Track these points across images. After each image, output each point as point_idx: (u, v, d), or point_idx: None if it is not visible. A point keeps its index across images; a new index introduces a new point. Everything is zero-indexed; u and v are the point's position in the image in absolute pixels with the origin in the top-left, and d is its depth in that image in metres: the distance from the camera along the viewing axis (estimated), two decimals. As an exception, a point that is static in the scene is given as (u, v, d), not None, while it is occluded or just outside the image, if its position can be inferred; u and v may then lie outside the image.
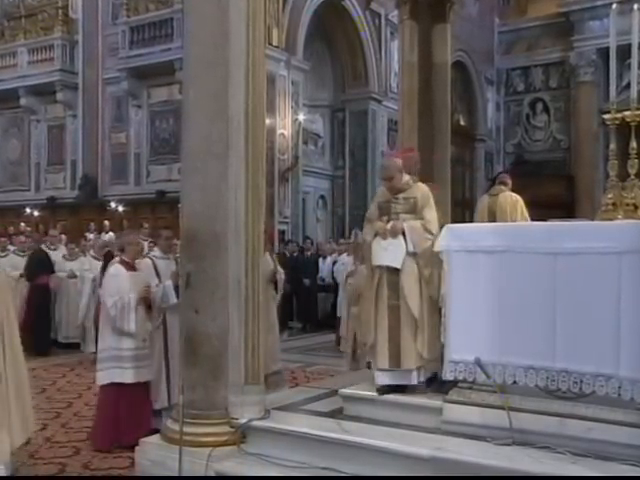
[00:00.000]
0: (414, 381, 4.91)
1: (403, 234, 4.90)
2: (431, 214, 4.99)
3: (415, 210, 5.00)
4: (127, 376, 5.68)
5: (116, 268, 5.83)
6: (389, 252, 4.93)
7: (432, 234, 4.86)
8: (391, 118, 20.04)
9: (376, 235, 5.03)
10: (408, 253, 4.88)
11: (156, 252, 6.21)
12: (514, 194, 7.37)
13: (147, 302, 5.77)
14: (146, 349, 5.82)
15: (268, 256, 7.41)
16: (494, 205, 7.29)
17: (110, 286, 5.71)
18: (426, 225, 4.93)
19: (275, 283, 7.34)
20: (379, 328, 4.97)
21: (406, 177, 5.12)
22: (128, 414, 5.67)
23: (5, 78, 21.18)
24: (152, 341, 5.96)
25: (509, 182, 7.48)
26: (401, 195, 5.05)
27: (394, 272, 4.91)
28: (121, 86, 19.23)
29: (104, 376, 5.80)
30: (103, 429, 5.72)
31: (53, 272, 11.12)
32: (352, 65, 20.23)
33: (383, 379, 4.96)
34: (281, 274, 7.37)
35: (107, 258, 8.58)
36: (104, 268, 7.04)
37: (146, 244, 9.05)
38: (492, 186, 7.84)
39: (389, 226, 4.96)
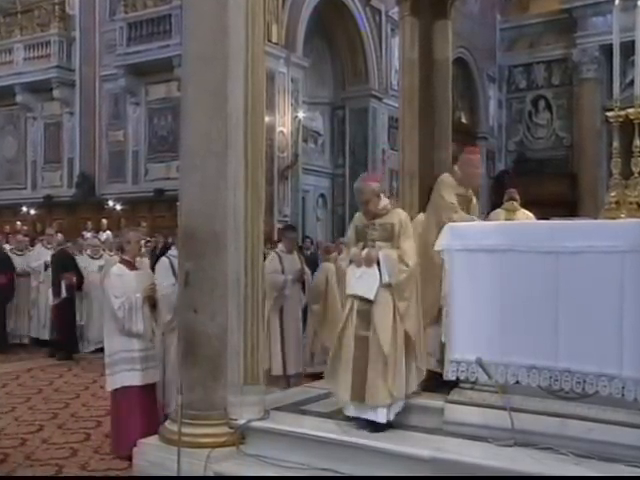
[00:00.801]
0: (381, 419, 4.56)
1: (378, 263, 4.65)
2: (408, 243, 4.72)
3: (392, 238, 4.74)
4: (137, 378, 5.57)
5: (119, 268, 5.74)
6: (362, 281, 4.68)
7: (408, 266, 4.63)
8: (392, 116, 20.01)
9: (351, 262, 4.80)
10: (382, 284, 4.63)
11: (173, 251, 6.15)
12: (528, 213, 7.09)
13: (152, 301, 5.71)
14: (153, 350, 5.78)
15: (295, 256, 7.49)
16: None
17: (115, 286, 5.58)
18: (402, 256, 4.66)
19: (303, 283, 7.40)
20: (343, 357, 4.72)
21: (384, 201, 4.87)
22: (142, 416, 5.57)
23: (1, 75, 21.14)
24: (166, 342, 5.97)
25: (518, 198, 7.24)
26: (378, 221, 4.80)
27: (367, 302, 4.67)
28: (119, 83, 19.21)
29: (115, 380, 5.62)
30: (124, 435, 5.51)
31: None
32: (352, 62, 20.21)
33: (349, 410, 4.71)
34: (308, 274, 7.45)
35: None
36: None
37: (142, 243, 9.04)
38: (496, 190, 7.78)
39: (364, 253, 4.72)
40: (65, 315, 10.56)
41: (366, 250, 4.73)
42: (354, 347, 4.67)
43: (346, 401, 4.69)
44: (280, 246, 7.67)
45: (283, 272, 7.28)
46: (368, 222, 4.84)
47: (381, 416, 4.56)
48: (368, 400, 4.56)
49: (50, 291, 10.79)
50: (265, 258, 6.01)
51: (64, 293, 10.42)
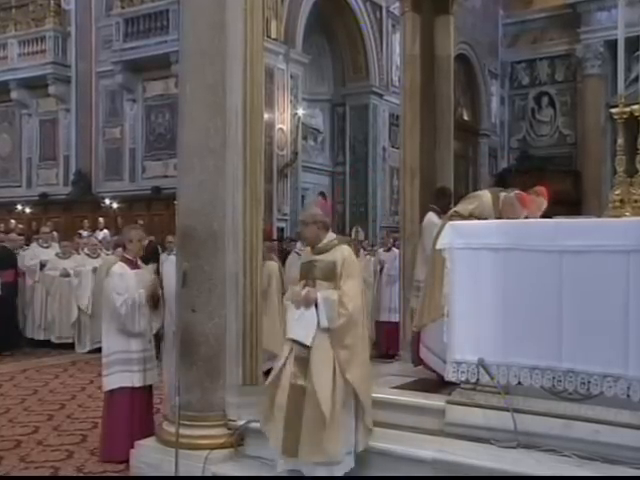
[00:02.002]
0: (324, 473, 4.15)
1: (317, 305, 4.26)
2: (350, 284, 4.28)
3: (333, 277, 4.31)
4: (135, 379, 5.54)
5: (120, 266, 5.70)
6: (300, 324, 4.30)
7: (347, 310, 4.20)
8: (392, 113, 20.03)
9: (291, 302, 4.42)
10: (320, 328, 4.24)
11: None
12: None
13: (154, 299, 5.67)
14: (151, 351, 5.77)
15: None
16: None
17: (118, 284, 5.54)
18: (342, 297, 4.23)
19: None
20: (277, 405, 4.30)
21: (330, 236, 4.47)
22: (140, 419, 5.57)
23: (-5, 71, 21.17)
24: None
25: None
26: (320, 257, 4.40)
27: (305, 348, 4.27)
28: (115, 79, 19.21)
29: (112, 381, 5.57)
30: (118, 438, 5.47)
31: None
32: (352, 58, 20.20)
33: (281, 464, 4.28)
34: None
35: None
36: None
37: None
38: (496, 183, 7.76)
39: (303, 293, 4.33)
40: (2, 311, 10.68)
41: (306, 289, 4.34)
42: (287, 397, 4.24)
43: (278, 453, 4.28)
44: (298, 245, 7.67)
45: None
46: (312, 257, 4.45)
47: (319, 471, 4.16)
48: (302, 457, 4.15)
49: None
50: (265, 258, 6.01)
51: None
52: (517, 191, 5.63)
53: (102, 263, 10.45)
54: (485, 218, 5.19)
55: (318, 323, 4.24)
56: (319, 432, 4.10)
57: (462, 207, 5.45)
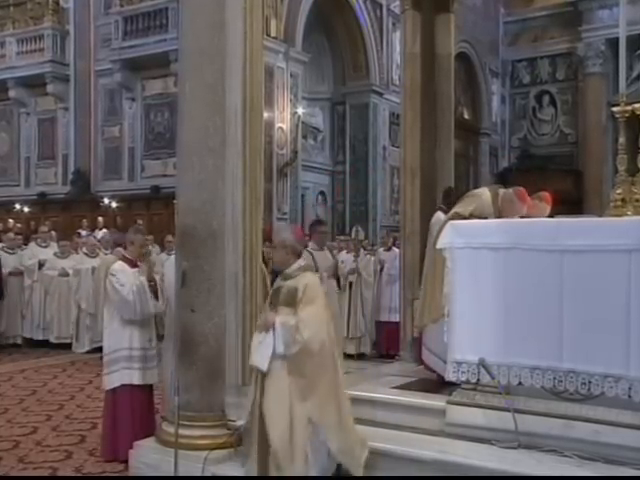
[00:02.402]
0: None
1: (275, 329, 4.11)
2: (308, 311, 4.10)
3: (294, 303, 4.16)
4: (135, 377, 5.55)
5: (120, 265, 5.72)
6: (259, 349, 4.18)
7: (302, 337, 4.02)
8: (393, 111, 20.02)
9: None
10: (277, 355, 4.08)
11: None
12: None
13: (153, 288, 5.69)
14: (153, 349, 5.78)
15: (327, 251, 7.60)
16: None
17: (120, 278, 5.54)
18: (299, 324, 4.05)
19: (338, 279, 7.48)
20: (252, 432, 4.24)
21: (299, 262, 4.34)
22: (141, 418, 5.56)
23: (-7, 69, 21.17)
24: None
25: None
26: (286, 282, 4.28)
27: (262, 373, 4.16)
28: (114, 78, 19.19)
29: (114, 379, 5.56)
30: (120, 437, 5.46)
31: None
32: (353, 57, 20.20)
33: None
34: (350, 269, 7.58)
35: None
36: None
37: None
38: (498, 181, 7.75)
39: (263, 317, 4.27)
40: None
41: (265, 314, 4.27)
42: (258, 424, 4.12)
43: None
44: (311, 243, 7.77)
45: (317, 270, 7.40)
46: (280, 283, 4.35)
47: None
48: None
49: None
50: (264, 257, 6.03)
51: None
52: (517, 188, 5.64)
53: (101, 262, 10.46)
54: (485, 217, 5.19)
55: (275, 348, 4.09)
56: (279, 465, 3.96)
57: (462, 208, 5.45)
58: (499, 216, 5.22)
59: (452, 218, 5.27)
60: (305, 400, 3.99)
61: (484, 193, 5.59)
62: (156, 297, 5.72)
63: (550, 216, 4.71)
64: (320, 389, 4.04)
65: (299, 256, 4.35)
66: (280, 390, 4.03)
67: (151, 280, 5.70)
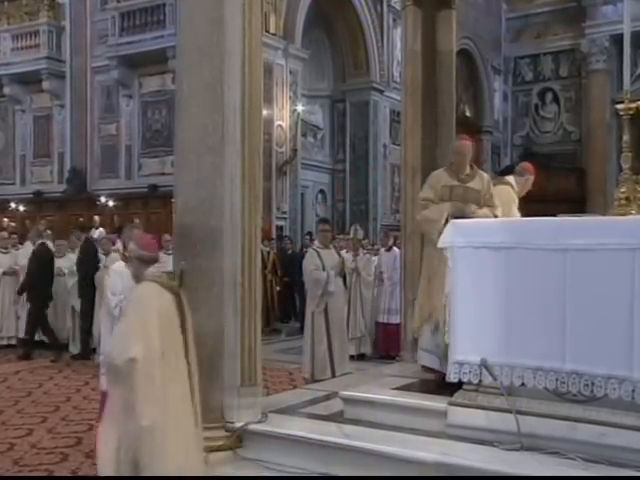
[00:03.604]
0: None
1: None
2: (119, 327, 4.07)
3: None
4: None
5: (120, 265, 5.70)
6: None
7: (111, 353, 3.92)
8: (393, 109, 20.06)
9: None
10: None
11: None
12: (507, 189, 6.16)
13: None
14: None
15: (333, 249, 7.72)
16: None
17: (115, 284, 5.54)
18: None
19: (344, 277, 7.60)
20: None
21: (149, 270, 4.20)
22: None
23: (-12, 66, 21.17)
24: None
25: (526, 175, 6.28)
26: None
27: None
28: (111, 75, 19.20)
29: None
30: None
31: None
32: (353, 54, 20.23)
33: None
34: (349, 269, 7.73)
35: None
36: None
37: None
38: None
39: None
40: None
41: None
42: None
43: None
44: (316, 242, 7.93)
45: (324, 268, 7.45)
46: None
47: None
48: None
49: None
50: (263, 256, 6.07)
51: None
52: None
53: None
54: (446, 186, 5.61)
55: None
56: None
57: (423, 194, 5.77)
58: (455, 168, 5.66)
59: (423, 207, 5.68)
60: (126, 417, 3.72)
61: (432, 173, 5.94)
62: None
63: (553, 215, 4.71)
64: (142, 405, 3.71)
65: (147, 263, 4.17)
66: (108, 407, 3.91)
67: None
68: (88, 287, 10.44)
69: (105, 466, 3.76)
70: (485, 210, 5.46)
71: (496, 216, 5.41)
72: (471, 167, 5.77)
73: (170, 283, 4.09)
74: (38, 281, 10.65)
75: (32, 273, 10.69)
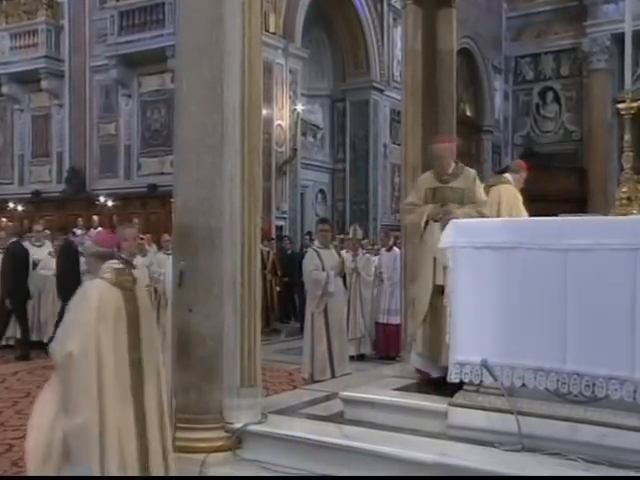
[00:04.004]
0: None
1: None
2: (62, 323, 4.02)
3: None
4: None
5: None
6: None
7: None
8: (394, 108, 20.05)
9: None
10: None
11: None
12: (512, 189, 6.26)
13: None
14: None
15: (332, 249, 7.77)
16: None
17: None
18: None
19: (344, 277, 7.64)
20: None
21: (105, 266, 4.13)
22: None
23: (-14, 65, 21.16)
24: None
25: (520, 172, 6.43)
26: None
27: None
28: (110, 74, 19.20)
29: None
30: None
31: None
32: (353, 53, 20.23)
33: None
34: (349, 269, 7.79)
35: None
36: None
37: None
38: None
39: None
40: None
41: None
42: None
43: None
44: (316, 242, 7.96)
45: (323, 268, 7.48)
46: None
47: None
48: None
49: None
50: (263, 256, 6.08)
51: None
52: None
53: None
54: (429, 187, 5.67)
55: None
56: None
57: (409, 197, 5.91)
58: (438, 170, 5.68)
59: (409, 212, 5.79)
60: (65, 413, 3.68)
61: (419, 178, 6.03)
62: None
63: (554, 214, 4.71)
64: (75, 403, 3.67)
65: (105, 258, 4.13)
66: (43, 401, 3.86)
67: (148, 285, 5.65)
68: (67, 290, 10.42)
69: (34, 459, 3.72)
70: (466, 209, 5.40)
71: (482, 214, 5.34)
72: (457, 165, 5.72)
73: (120, 279, 4.04)
74: (12, 279, 10.69)
75: (6, 271, 10.76)
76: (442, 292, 5.08)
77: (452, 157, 5.66)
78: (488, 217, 5.31)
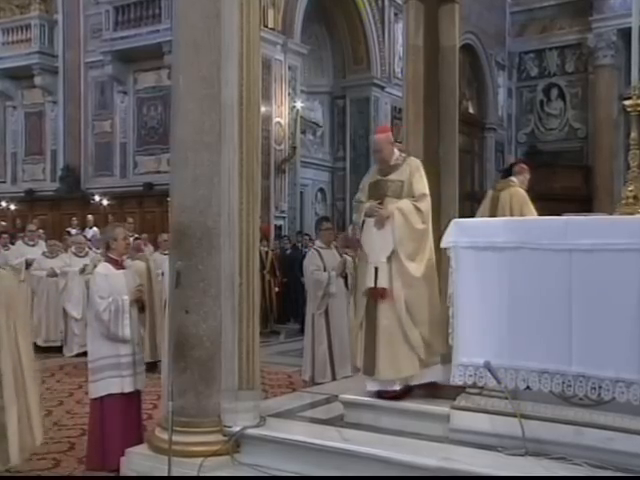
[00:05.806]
0: None
1: None
2: None
3: None
4: (126, 385, 5.45)
5: (105, 267, 5.66)
6: None
7: None
8: (395, 105, 20.04)
9: None
10: None
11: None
12: (521, 191, 6.92)
13: (140, 303, 5.66)
14: (141, 354, 5.75)
15: (334, 249, 7.78)
16: (496, 203, 6.97)
17: (101, 287, 5.48)
18: None
19: (345, 278, 7.65)
20: None
21: None
22: (132, 425, 5.51)
23: (-23, 61, 21.15)
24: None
25: (524, 174, 7.16)
26: None
27: None
28: (105, 70, 19.20)
29: (101, 387, 5.48)
30: (111, 446, 5.38)
31: None
32: (353, 49, 20.21)
33: None
34: (351, 269, 7.82)
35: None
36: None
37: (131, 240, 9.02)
38: (503, 178, 7.75)
39: None
40: None
41: None
42: None
43: None
44: (317, 242, 7.98)
45: (325, 269, 7.50)
46: None
47: None
48: None
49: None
50: (261, 256, 6.08)
51: None
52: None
53: (89, 262, 10.44)
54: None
55: None
56: None
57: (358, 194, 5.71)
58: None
59: (358, 210, 5.58)
60: None
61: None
62: (142, 309, 5.68)
63: (558, 214, 4.71)
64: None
65: None
66: None
67: (139, 301, 5.65)
68: None
69: None
70: (400, 203, 5.09)
71: (417, 208, 5.07)
72: (400, 155, 5.42)
73: None
74: None
75: None
76: (373, 295, 5.03)
77: (389, 147, 5.37)
78: (423, 211, 5.08)
